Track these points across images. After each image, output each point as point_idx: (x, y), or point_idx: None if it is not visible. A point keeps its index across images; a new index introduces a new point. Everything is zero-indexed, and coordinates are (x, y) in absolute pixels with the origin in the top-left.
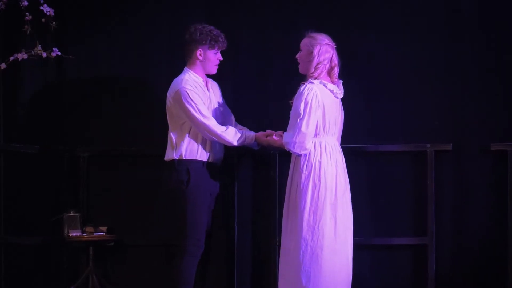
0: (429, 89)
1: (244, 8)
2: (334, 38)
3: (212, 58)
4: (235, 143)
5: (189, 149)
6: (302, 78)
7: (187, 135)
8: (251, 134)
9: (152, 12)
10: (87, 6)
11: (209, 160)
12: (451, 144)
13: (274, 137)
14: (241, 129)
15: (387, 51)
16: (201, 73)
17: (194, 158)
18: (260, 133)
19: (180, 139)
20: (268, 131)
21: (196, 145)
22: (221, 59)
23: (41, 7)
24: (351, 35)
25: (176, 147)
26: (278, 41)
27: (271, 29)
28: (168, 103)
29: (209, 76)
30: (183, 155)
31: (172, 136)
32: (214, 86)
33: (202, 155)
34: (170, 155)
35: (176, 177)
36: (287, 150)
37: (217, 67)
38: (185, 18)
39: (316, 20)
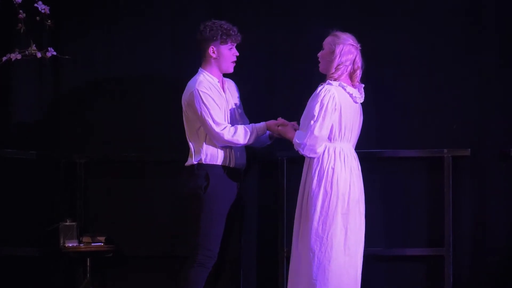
0: (446, 92)
1: (250, 5)
2: None
3: (227, 54)
4: (250, 142)
5: (209, 154)
6: (311, 79)
7: (205, 140)
8: (261, 124)
9: (153, 9)
10: (84, 4)
11: (231, 165)
12: (469, 149)
13: (289, 129)
14: (248, 125)
15: (402, 51)
16: (216, 73)
17: (215, 163)
18: (271, 122)
19: (198, 145)
20: (280, 120)
21: (215, 149)
22: (237, 54)
23: (35, 5)
24: (364, 36)
25: (195, 154)
26: (286, 40)
27: (278, 28)
28: (183, 107)
29: (225, 75)
30: (203, 159)
31: (189, 142)
32: (231, 86)
33: (223, 160)
34: (189, 161)
35: (194, 182)
36: (296, 151)
37: (234, 64)
38: (189, 15)
39: (325, 19)
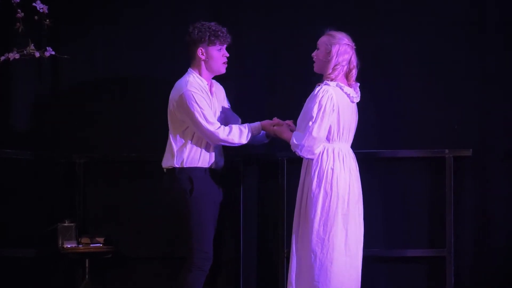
0: (447, 92)
1: (250, 5)
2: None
3: (216, 55)
4: (244, 141)
5: (191, 156)
6: (311, 79)
7: (190, 141)
8: (256, 124)
9: (153, 8)
10: (83, 3)
11: (211, 167)
12: (471, 149)
13: (284, 128)
14: (243, 124)
15: (403, 51)
16: (206, 75)
17: (195, 166)
18: (266, 122)
19: (183, 145)
20: (275, 120)
21: (198, 151)
22: (227, 55)
23: (34, 4)
24: (363, 34)
25: (177, 154)
26: (286, 39)
27: (278, 27)
28: (171, 106)
29: (215, 78)
30: (184, 162)
31: (173, 142)
32: (218, 89)
33: (204, 162)
34: (170, 162)
35: (179, 187)
36: (293, 151)
37: (226, 65)
38: (189, 14)
39: (324, 17)
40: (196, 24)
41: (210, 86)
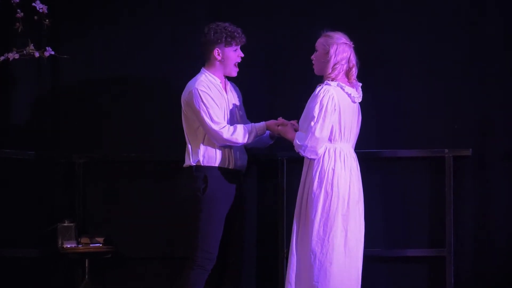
0: (447, 91)
1: (250, 5)
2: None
3: (232, 56)
4: (249, 141)
5: (206, 155)
6: (311, 79)
7: (203, 140)
8: (261, 124)
9: (153, 8)
10: (83, 3)
11: (230, 167)
12: (471, 149)
13: (289, 128)
14: (248, 124)
15: (402, 51)
16: (219, 75)
17: (213, 165)
18: (271, 122)
19: (196, 145)
20: (280, 120)
21: (213, 150)
22: (242, 55)
23: (33, 4)
24: (363, 34)
25: (193, 153)
26: (286, 39)
27: (278, 27)
28: (182, 106)
29: (229, 79)
30: (201, 161)
31: (188, 141)
32: (234, 89)
33: (222, 161)
34: (187, 161)
35: (193, 184)
36: (297, 152)
37: (237, 69)
38: (189, 14)
39: (324, 17)
40: (211, 25)
41: (225, 85)
